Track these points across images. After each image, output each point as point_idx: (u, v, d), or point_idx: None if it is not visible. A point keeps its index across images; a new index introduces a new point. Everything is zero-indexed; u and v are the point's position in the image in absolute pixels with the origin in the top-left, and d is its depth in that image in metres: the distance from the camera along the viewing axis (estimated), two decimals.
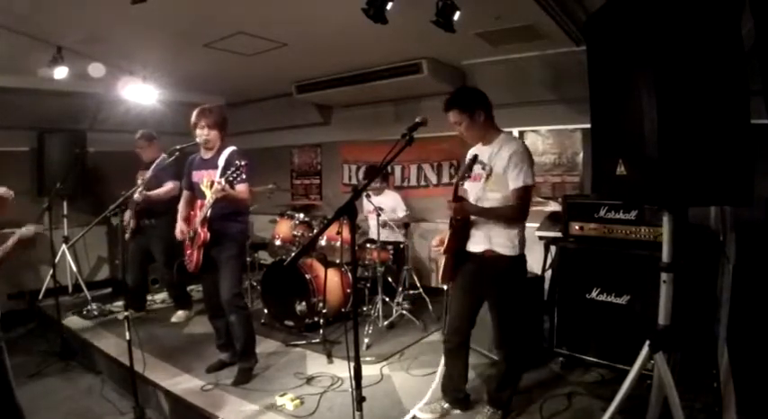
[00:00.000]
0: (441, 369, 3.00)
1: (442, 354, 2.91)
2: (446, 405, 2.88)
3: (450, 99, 2.63)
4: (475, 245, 2.62)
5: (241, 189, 3.14)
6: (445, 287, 2.94)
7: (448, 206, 2.56)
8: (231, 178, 2.98)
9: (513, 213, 2.50)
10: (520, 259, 2.60)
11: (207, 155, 3.32)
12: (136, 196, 4.19)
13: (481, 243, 2.59)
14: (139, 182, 4.54)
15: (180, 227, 3.38)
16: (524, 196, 2.49)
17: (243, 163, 3.01)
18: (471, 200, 2.61)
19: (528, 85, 4.48)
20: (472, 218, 2.59)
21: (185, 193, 3.46)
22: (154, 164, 4.51)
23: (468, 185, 2.71)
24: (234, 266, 3.25)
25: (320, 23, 3.45)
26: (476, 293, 2.68)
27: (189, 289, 5.54)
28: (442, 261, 2.72)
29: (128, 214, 4.61)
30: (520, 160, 2.46)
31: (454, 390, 2.87)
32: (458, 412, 2.87)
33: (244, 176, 3.02)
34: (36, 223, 2.42)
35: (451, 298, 2.80)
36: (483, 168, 2.54)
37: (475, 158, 2.54)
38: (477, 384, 3.17)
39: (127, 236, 4.72)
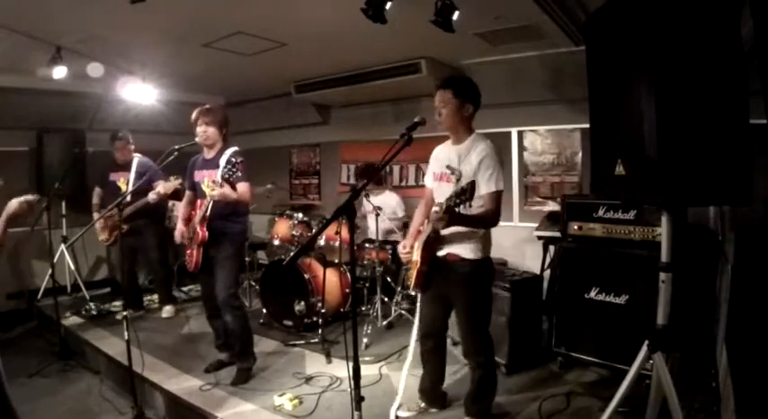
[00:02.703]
0: (406, 368, 3.01)
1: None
2: (422, 404, 2.90)
3: (451, 79, 2.58)
4: (440, 250, 2.57)
5: (242, 188, 3.15)
6: (414, 292, 2.89)
7: (435, 217, 2.38)
8: (227, 175, 2.98)
9: (491, 220, 2.47)
10: (485, 262, 2.55)
11: (209, 154, 3.32)
12: (152, 197, 4.18)
13: (446, 247, 2.54)
14: (120, 183, 4.57)
15: (179, 229, 3.37)
16: (497, 201, 2.45)
17: (238, 160, 3.01)
18: (442, 201, 2.48)
19: (527, 85, 4.48)
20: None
21: (187, 193, 3.46)
22: (135, 166, 4.57)
23: (436, 186, 2.65)
24: (230, 266, 3.25)
25: (320, 23, 3.45)
26: (444, 298, 2.64)
27: (187, 289, 5.57)
28: (415, 268, 2.64)
29: (100, 221, 4.61)
30: (489, 165, 2.42)
31: (431, 390, 2.88)
32: (434, 410, 2.89)
33: (239, 173, 3.02)
34: (25, 196, 2.36)
35: (422, 303, 2.79)
36: (452, 172, 2.47)
37: (473, 187, 2.24)
38: (456, 383, 3.16)
39: (102, 239, 4.74)
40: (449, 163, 2.52)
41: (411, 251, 2.66)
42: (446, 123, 2.55)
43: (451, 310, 2.71)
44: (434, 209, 2.43)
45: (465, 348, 2.63)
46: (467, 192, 2.13)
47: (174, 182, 3.73)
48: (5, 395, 2.22)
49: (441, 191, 2.58)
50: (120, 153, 4.69)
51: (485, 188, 2.42)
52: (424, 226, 2.69)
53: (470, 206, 2.21)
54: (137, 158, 4.69)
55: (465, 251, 2.50)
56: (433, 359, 2.82)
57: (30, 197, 2.32)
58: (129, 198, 4.27)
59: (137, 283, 5.10)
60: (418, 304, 2.94)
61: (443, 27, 2.93)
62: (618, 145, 2.03)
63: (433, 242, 2.54)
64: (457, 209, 2.22)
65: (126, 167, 4.64)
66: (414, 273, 2.63)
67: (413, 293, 2.91)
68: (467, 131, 2.60)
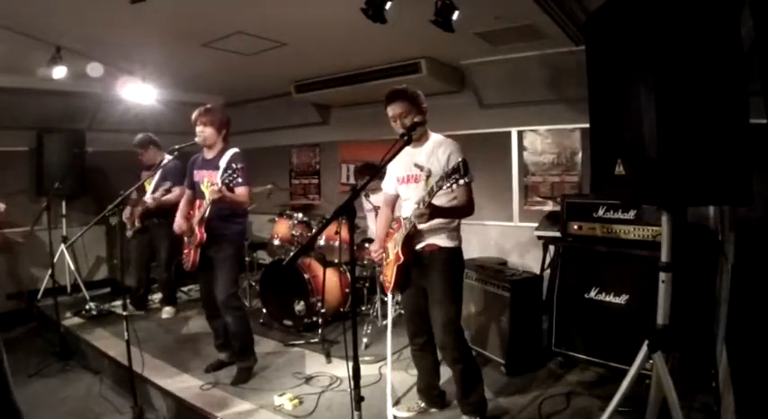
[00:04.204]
0: (388, 369, 2.98)
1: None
2: (422, 404, 2.90)
3: (398, 92, 2.62)
4: (416, 243, 2.64)
5: (241, 192, 3.15)
6: (390, 296, 2.90)
7: (420, 212, 2.42)
8: (227, 181, 2.98)
9: (468, 209, 2.58)
10: (458, 251, 2.66)
11: (209, 155, 3.32)
12: (148, 200, 4.22)
13: (423, 240, 2.62)
14: (146, 183, 4.60)
15: (178, 222, 3.38)
16: (470, 192, 2.56)
17: (239, 166, 3.01)
18: (413, 201, 2.61)
19: (527, 85, 4.48)
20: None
21: (186, 192, 3.46)
22: (161, 167, 4.58)
23: (403, 188, 2.72)
24: (229, 267, 3.25)
25: (319, 23, 3.45)
26: (423, 292, 2.67)
27: (187, 289, 5.57)
28: (390, 269, 2.67)
29: (126, 211, 4.62)
30: (458, 158, 2.44)
31: (428, 389, 2.89)
32: (434, 410, 2.89)
33: (240, 180, 3.02)
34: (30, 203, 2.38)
35: (405, 302, 2.83)
36: (421, 170, 2.56)
37: (465, 163, 2.33)
38: (453, 382, 3.16)
39: (128, 233, 4.75)
40: (415, 163, 2.60)
41: (386, 252, 2.72)
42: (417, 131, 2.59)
43: None
44: (413, 205, 2.53)
45: (441, 343, 2.62)
46: (459, 170, 2.22)
47: (161, 190, 3.92)
48: (10, 394, 2.22)
49: (409, 192, 2.69)
50: (142, 157, 4.72)
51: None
52: (392, 228, 2.76)
53: (466, 182, 2.32)
54: (165, 159, 4.63)
55: (442, 240, 2.60)
56: (425, 357, 2.83)
57: None
58: (148, 198, 4.45)
59: (149, 282, 5.08)
60: (390, 309, 3.00)
61: (443, 27, 2.93)
62: (618, 145, 2.03)
63: (413, 237, 2.61)
64: (449, 188, 2.30)
65: (151, 168, 4.63)
66: (391, 272, 2.67)
67: (390, 296, 2.89)
68: (426, 134, 2.68)
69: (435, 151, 2.58)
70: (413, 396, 2.99)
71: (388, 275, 2.70)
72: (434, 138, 2.68)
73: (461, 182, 2.25)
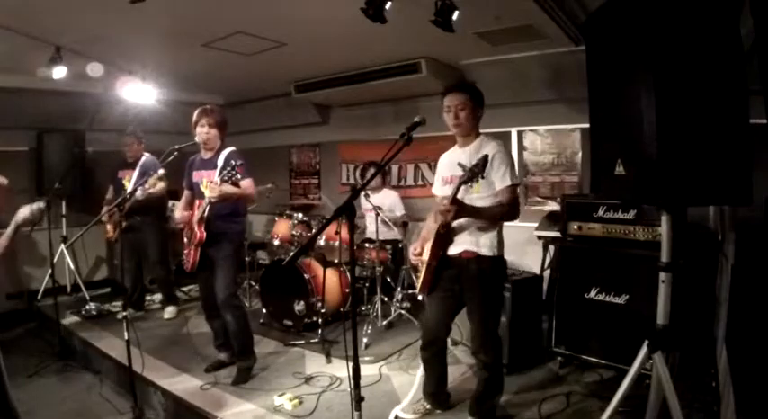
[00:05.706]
0: (420, 371, 2.95)
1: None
2: (428, 406, 2.90)
3: (465, 84, 2.67)
4: (454, 247, 2.57)
5: (246, 184, 3.18)
6: (420, 297, 2.85)
7: (442, 208, 2.42)
8: (226, 178, 2.99)
9: (507, 212, 2.51)
10: (499, 260, 2.58)
11: (207, 155, 3.33)
12: (138, 194, 4.20)
13: (460, 244, 2.55)
14: (125, 181, 4.60)
15: (179, 214, 3.37)
16: (513, 194, 2.51)
17: (238, 162, 3.02)
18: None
19: (527, 85, 4.48)
20: (454, 222, 2.51)
21: (186, 193, 3.47)
22: (140, 164, 4.58)
23: (447, 188, 2.64)
24: (229, 266, 3.26)
25: (319, 23, 3.45)
26: (455, 298, 2.62)
27: (187, 288, 5.56)
28: (423, 269, 2.62)
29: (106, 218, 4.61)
30: (502, 160, 2.47)
31: (435, 393, 2.88)
32: (439, 411, 2.89)
33: (238, 176, 3.03)
34: (31, 203, 2.36)
35: (429, 305, 2.76)
36: (463, 169, 2.49)
37: (485, 159, 2.37)
38: (460, 384, 3.18)
39: (109, 235, 4.74)
40: (459, 162, 2.53)
41: (422, 252, 2.67)
42: (464, 125, 2.59)
43: (457, 312, 2.70)
44: (443, 201, 2.47)
45: (474, 347, 2.62)
46: (479, 165, 2.23)
47: (154, 177, 3.67)
48: (7, 394, 2.22)
49: (450, 192, 2.59)
50: (129, 149, 4.71)
51: (499, 183, 2.48)
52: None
53: (483, 177, 2.33)
54: (144, 157, 4.69)
55: (481, 247, 2.51)
56: (436, 364, 2.82)
57: (41, 204, 2.33)
58: (139, 194, 4.35)
59: (142, 282, 5.07)
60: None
61: (443, 27, 2.93)
62: (618, 144, 2.03)
63: (444, 237, 2.54)
64: (469, 185, 2.31)
65: (134, 165, 4.65)
66: (423, 272, 2.61)
67: (419, 297, 2.85)
68: (476, 134, 2.65)
69: (481, 151, 2.50)
70: (417, 397, 2.98)
71: (421, 275, 2.64)
72: (482, 138, 2.63)
73: (481, 177, 2.27)
